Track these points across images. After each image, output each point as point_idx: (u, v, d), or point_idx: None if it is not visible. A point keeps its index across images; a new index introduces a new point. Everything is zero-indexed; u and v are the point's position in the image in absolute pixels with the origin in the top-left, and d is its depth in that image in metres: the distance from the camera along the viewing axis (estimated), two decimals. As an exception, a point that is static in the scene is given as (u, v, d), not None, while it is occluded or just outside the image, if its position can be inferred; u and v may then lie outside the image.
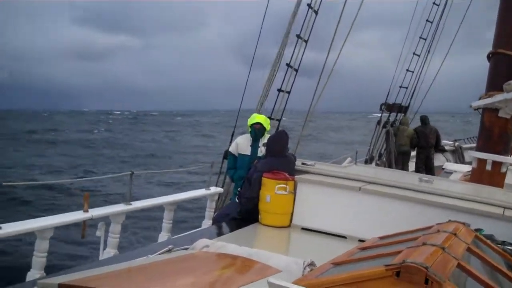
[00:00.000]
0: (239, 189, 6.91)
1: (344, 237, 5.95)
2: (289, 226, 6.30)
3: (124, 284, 2.86)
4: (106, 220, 6.81)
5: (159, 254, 3.89)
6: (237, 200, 6.83)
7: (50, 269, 5.99)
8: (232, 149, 7.68)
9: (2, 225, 5.48)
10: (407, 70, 15.44)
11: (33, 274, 5.79)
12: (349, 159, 8.55)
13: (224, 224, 6.51)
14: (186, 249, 4.13)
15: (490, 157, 8.68)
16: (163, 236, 7.92)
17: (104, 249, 6.81)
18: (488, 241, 4.20)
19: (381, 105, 15.29)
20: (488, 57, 8.93)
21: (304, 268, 3.72)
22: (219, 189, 9.08)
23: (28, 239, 6.37)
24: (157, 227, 8.42)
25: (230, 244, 4.12)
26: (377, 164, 14.12)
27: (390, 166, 14.08)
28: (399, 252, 3.11)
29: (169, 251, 3.99)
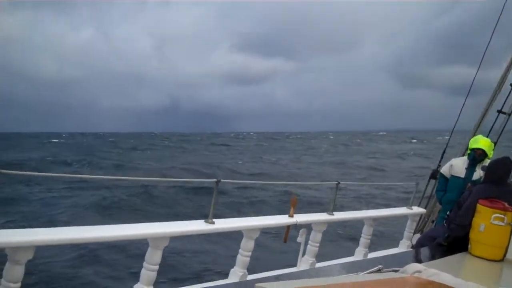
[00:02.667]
0: (448, 213, 6.53)
1: None
2: (502, 260, 5.79)
3: None
4: (308, 227, 6.89)
5: (369, 272, 3.81)
6: (444, 225, 6.47)
7: (252, 268, 6.21)
8: (444, 170, 7.27)
9: (216, 220, 5.80)
10: None
11: (235, 271, 6.03)
12: None
13: (428, 249, 6.21)
14: (396, 271, 3.99)
15: None
16: (360, 251, 7.80)
17: (303, 256, 6.89)
18: None
19: None
20: None
21: (530, 314, 3.36)
22: (422, 210, 8.71)
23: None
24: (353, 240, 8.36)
25: (444, 273, 3.88)
26: None
27: None
28: None
29: (379, 271, 3.88)
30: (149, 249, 5.13)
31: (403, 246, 8.21)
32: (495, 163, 6.27)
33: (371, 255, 7.41)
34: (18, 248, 4.10)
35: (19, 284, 4.21)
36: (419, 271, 3.90)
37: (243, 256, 6.06)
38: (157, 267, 5.15)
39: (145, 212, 19.91)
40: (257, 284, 2.94)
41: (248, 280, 5.54)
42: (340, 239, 15.12)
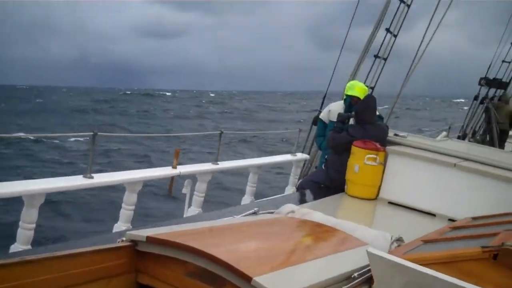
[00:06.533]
0: (326, 156, 6.76)
1: (433, 214, 5.70)
2: (375, 198, 6.11)
3: (211, 242, 2.86)
4: (193, 178, 6.90)
5: (245, 215, 3.88)
6: (323, 168, 6.70)
7: (135, 223, 6.14)
8: (323, 115, 7.42)
9: (95, 175, 5.67)
10: None
11: (119, 226, 5.95)
12: (444, 133, 8.18)
13: (309, 191, 6.43)
14: (271, 213, 4.10)
15: None
16: (246, 199, 7.95)
17: (189, 207, 6.92)
18: None
19: (480, 79, 14.51)
20: None
21: (392, 243, 3.59)
22: (305, 156, 8.97)
23: (117, 190, 6.37)
24: (241, 190, 8.48)
25: (316, 212, 4.04)
26: (470, 141, 13.48)
27: (490, 143, 13.40)
28: (496, 234, 2.93)
29: (255, 213, 3.97)
30: (24, 208, 4.94)
31: (289, 192, 8.46)
32: (362, 105, 6.49)
33: (258, 201, 7.57)
34: None
35: None
36: (292, 211, 4.04)
37: (126, 210, 5.99)
38: (33, 225, 4.98)
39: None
40: (127, 232, 2.91)
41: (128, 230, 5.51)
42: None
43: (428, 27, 9.80)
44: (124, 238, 2.87)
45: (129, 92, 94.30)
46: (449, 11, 9.89)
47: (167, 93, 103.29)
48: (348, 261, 3.01)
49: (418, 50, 9.64)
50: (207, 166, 7.02)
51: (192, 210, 6.85)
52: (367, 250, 2.36)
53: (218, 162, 7.14)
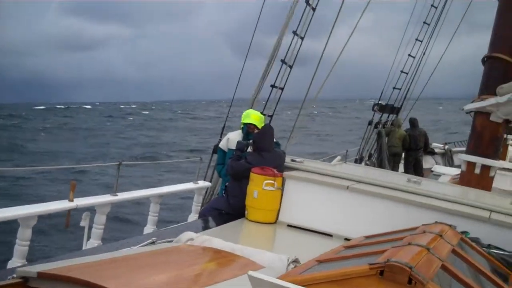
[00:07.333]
0: (226, 184, 6.85)
1: (330, 235, 5.91)
2: (275, 222, 6.25)
3: (106, 275, 2.82)
4: (92, 210, 6.75)
5: (143, 245, 3.86)
6: (224, 195, 6.78)
7: (33, 258, 5.91)
8: (222, 144, 7.55)
9: None
10: (401, 71, 15.45)
11: (14, 262, 5.73)
12: (338, 157, 8.51)
13: (210, 218, 6.47)
14: (170, 241, 4.10)
15: (479, 160, 8.68)
16: (148, 229, 7.86)
17: (88, 239, 6.76)
18: (473, 244, 4.20)
19: (374, 105, 15.32)
20: (483, 61, 8.92)
21: (288, 265, 3.69)
22: (207, 183, 9.03)
23: (10, 226, 6.13)
24: (143, 220, 8.36)
25: (215, 238, 4.08)
26: (366, 164, 14.12)
27: (382, 167, 14.07)
28: (384, 251, 3.09)
29: (153, 243, 3.96)
30: None
31: (192, 220, 8.44)
32: (259, 134, 6.70)
33: (159, 230, 7.49)
34: None
35: None
36: (191, 239, 4.05)
37: (21, 246, 5.80)
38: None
39: None
40: (18, 269, 2.82)
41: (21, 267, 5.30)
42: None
43: (330, 33, 10.31)
44: (14, 275, 2.78)
45: (43, 107, 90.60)
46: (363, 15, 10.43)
47: (87, 106, 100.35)
48: (245, 285, 3.06)
49: (322, 55, 10.13)
50: (106, 198, 6.89)
51: (91, 243, 6.69)
52: (248, 274, 2.42)
53: (117, 194, 7.03)
